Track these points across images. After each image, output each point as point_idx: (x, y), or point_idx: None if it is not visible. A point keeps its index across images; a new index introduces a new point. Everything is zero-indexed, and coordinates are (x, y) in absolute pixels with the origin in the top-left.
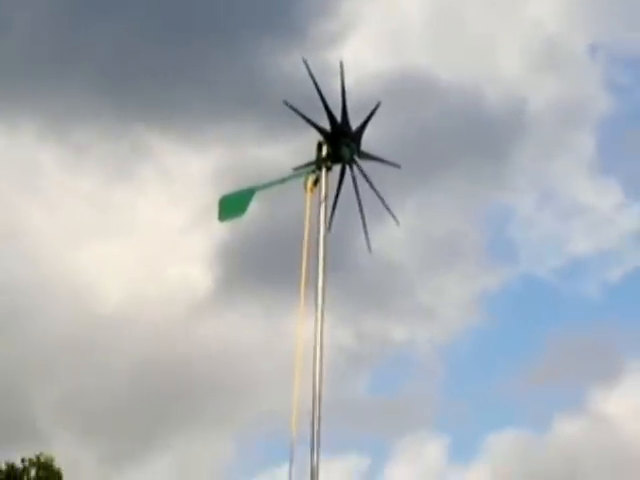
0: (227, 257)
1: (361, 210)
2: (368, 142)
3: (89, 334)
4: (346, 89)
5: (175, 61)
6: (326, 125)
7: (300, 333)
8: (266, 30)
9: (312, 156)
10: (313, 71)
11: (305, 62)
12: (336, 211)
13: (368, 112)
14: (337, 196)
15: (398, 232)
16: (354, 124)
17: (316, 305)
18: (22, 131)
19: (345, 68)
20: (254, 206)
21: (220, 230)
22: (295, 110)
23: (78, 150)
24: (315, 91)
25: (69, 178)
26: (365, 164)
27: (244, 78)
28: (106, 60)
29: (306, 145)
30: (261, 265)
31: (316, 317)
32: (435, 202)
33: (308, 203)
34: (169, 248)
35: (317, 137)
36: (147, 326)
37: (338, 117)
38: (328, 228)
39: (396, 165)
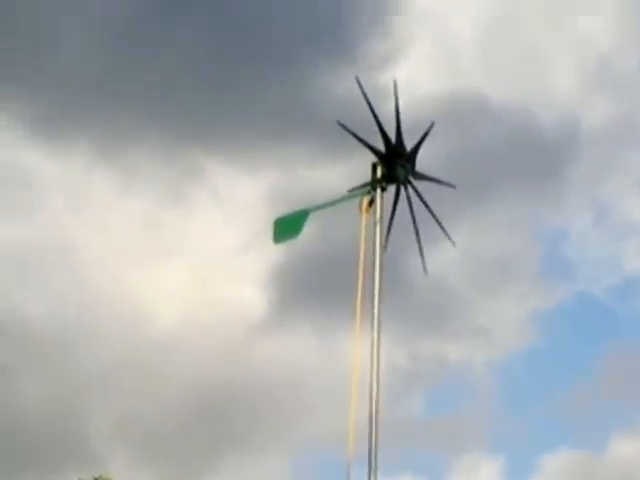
0: (281, 279)
1: (416, 231)
2: (422, 162)
3: (144, 357)
4: (400, 109)
5: (229, 83)
6: (380, 146)
7: (357, 353)
8: (319, 51)
9: (366, 178)
10: (370, 100)
11: (358, 81)
12: (391, 232)
13: (422, 133)
14: (392, 217)
15: (453, 253)
16: (408, 145)
17: (372, 325)
18: (75, 153)
19: (398, 88)
20: (308, 228)
21: (274, 252)
22: (349, 130)
23: (130, 172)
24: (368, 112)
25: (121, 200)
26: (420, 185)
27: (296, 99)
28: (159, 81)
29: (360, 167)
30: (315, 287)
31: (372, 337)
32: (489, 223)
33: (363, 224)
34: (223, 270)
35: (371, 159)
36: (202, 348)
37: (392, 138)
38: (384, 248)
39: (451, 185)
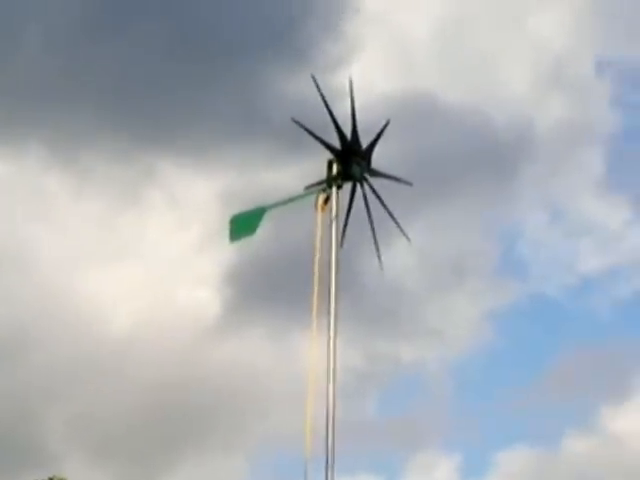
0: (236, 280)
1: (372, 228)
2: (377, 161)
3: (100, 357)
4: (355, 108)
5: (181, 83)
6: (336, 144)
7: (313, 353)
8: (272, 52)
9: (322, 177)
10: (321, 90)
11: (313, 78)
12: (347, 230)
13: (377, 132)
14: (348, 214)
15: (408, 253)
16: (364, 143)
17: (328, 325)
18: (29, 155)
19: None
20: (264, 227)
21: (229, 253)
22: (304, 127)
23: (84, 175)
24: (323, 112)
25: (75, 203)
26: (376, 183)
27: (251, 100)
28: (111, 82)
29: (316, 167)
30: (271, 287)
31: (328, 337)
32: (444, 222)
33: (319, 222)
34: (178, 272)
35: (327, 157)
36: (156, 350)
37: (348, 135)
38: (340, 246)
39: (408, 183)
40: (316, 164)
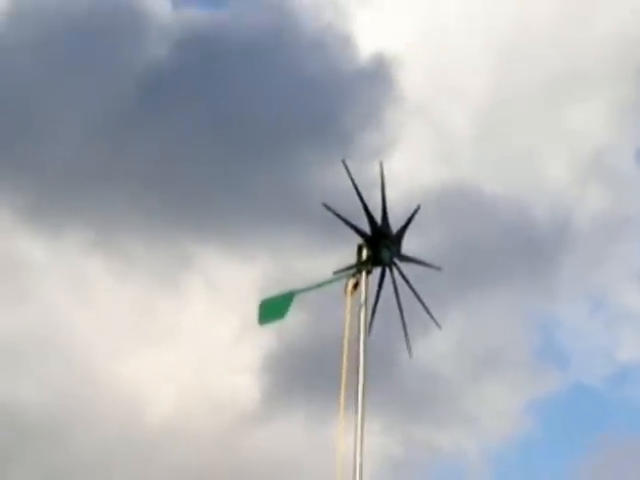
0: (274, 367)
1: (401, 313)
2: (412, 251)
3: (138, 445)
4: (386, 193)
5: (219, 171)
6: (366, 229)
7: (341, 442)
8: (310, 139)
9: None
10: (356, 183)
11: (344, 162)
12: (376, 316)
13: (408, 217)
14: (377, 299)
15: (443, 342)
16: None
17: (356, 411)
18: (68, 241)
19: (389, 180)
20: (300, 316)
21: (267, 340)
22: (334, 212)
23: (125, 260)
24: (355, 198)
25: (116, 288)
26: (409, 270)
27: (286, 186)
28: (152, 171)
29: (349, 254)
30: (307, 374)
31: (356, 424)
32: (482, 311)
33: (348, 307)
34: (216, 359)
35: (357, 243)
36: (195, 438)
37: (378, 220)
38: (368, 332)
39: (436, 268)
40: (349, 250)
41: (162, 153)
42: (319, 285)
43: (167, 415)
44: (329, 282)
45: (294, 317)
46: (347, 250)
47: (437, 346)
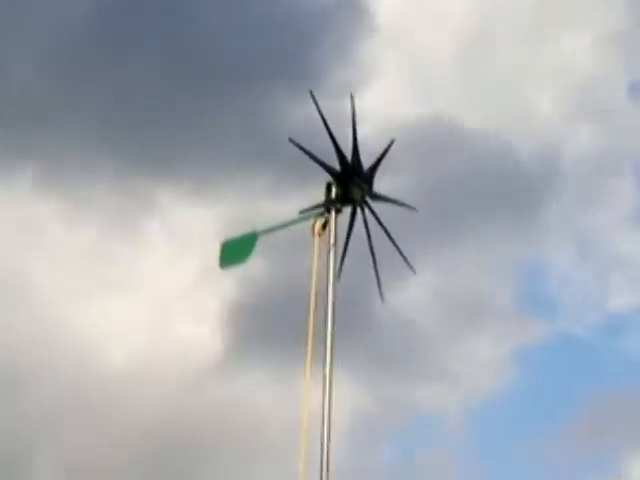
0: (236, 316)
1: (373, 256)
2: (387, 191)
3: (94, 393)
4: (359, 129)
5: (180, 108)
6: (336, 166)
7: (308, 396)
8: (277, 76)
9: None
10: (325, 117)
11: (311, 94)
12: (346, 259)
13: (381, 153)
14: (347, 241)
15: (419, 289)
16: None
17: (324, 363)
18: (17, 181)
19: (362, 117)
20: (265, 259)
21: (229, 286)
22: (301, 147)
23: (78, 202)
24: (324, 133)
25: (69, 234)
26: (378, 207)
27: (252, 126)
28: (108, 108)
29: (317, 194)
30: (272, 323)
31: (324, 376)
32: (462, 257)
33: (316, 249)
34: (176, 307)
35: (326, 181)
36: (154, 387)
37: (348, 157)
38: (338, 276)
39: (412, 207)
40: (318, 191)
41: (117, 89)
42: (284, 225)
43: (123, 366)
44: (295, 222)
45: (258, 262)
46: (316, 191)
47: (413, 294)
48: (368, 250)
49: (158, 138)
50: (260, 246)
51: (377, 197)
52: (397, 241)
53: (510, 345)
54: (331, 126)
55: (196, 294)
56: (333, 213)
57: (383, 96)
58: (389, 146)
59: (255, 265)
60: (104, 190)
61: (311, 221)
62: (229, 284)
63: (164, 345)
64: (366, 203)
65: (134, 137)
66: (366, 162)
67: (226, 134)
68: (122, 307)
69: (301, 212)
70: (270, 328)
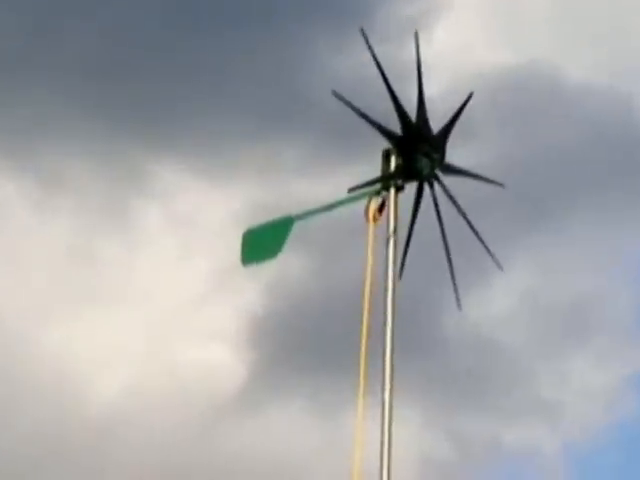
0: (262, 333)
1: (446, 248)
2: (463, 164)
3: (75, 441)
4: (425, 80)
5: (184, 59)
6: (396, 129)
7: (359, 438)
8: (314, 15)
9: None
10: (380, 62)
11: (362, 32)
12: (410, 252)
13: (455, 111)
14: (412, 228)
15: (505, 293)
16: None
17: (382, 389)
18: None
19: (429, 65)
20: (300, 255)
21: (252, 293)
22: (348, 104)
23: (52, 183)
24: (378, 86)
25: (39, 223)
26: (453, 182)
27: (281, 81)
28: (87, 59)
29: (369, 168)
30: (309, 341)
31: (382, 412)
32: (560, 253)
33: (370, 238)
34: (181, 323)
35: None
36: (152, 430)
37: (413, 118)
38: (399, 274)
39: (498, 184)
40: (371, 164)
41: (104, 35)
42: (327, 208)
43: (116, 400)
44: (341, 203)
45: (291, 259)
46: (368, 164)
47: (497, 299)
48: (439, 240)
49: (156, 98)
50: (294, 237)
51: (451, 170)
52: (478, 228)
53: (626, 368)
54: (389, 77)
55: (209, 305)
56: (393, 191)
57: (456, 38)
58: (466, 101)
59: (288, 263)
60: (84, 166)
61: (363, 202)
62: (253, 290)
63: (166, 375)
64: (436, 178)
65: (125, 96)
66: (435, 124)
67: (246, 91)
68: (110, 324)
69: (350, 190)
70: (307, 347)
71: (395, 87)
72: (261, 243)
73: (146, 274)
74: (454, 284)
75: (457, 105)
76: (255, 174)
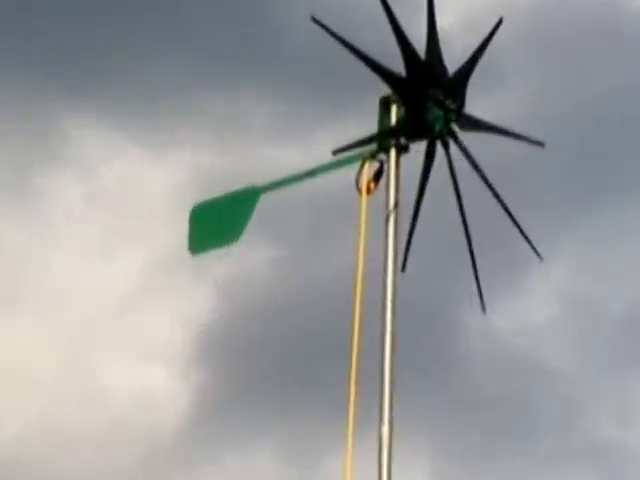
0: (215, 350)
1: (466, 230)
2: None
3: None
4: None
5: None
6: (399, 68)
7: None
8: None
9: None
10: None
11: None
12: (416, 234)
13: (479, 44)
14: (419, 203)
15: (545, 293)
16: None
17: (380, 423)
18: None
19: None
20: (265, 242)
21: (203, 295)
22: (330, 32)
23: None
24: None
25: None
26: (472, 140)
27: (240, 13)
28: None
29: (359, 124)
30: (279, 362)
31: (379, 459)
32: (618, 242)
33: (363, 216)
34: (107, 335)
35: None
36: (72, 474)
37: (421, 53)
38: (402, 266)
39: (537, 142)
40: (362, 118)
41: None
42: (305, 175)
43: (24, 434)
44: (323, 169)
45: (254, 250)
46: (359, 118)
47: (535, 300)
48: (456, 220)
49: (76, 34)
50: (259, 217)
51: (472, 123)
52: (508, 203)
53: None
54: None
55: (144, 310)
56: (394, 153)
57: None
58: (494, 30)
59: (249, 254)
60: None
61: (354, 168)
62: (202, 290)
63: (85, 405)
64: (453, 135)
65: (39, 31)
66: (451, 65)
67: (196, 26)
68: (11, 338)
69: (335, 152)
70: (275, 368)
71: (398, 16)
72: (215, 223)
73: (59, 271)
74: (476, 280)
75: (479, 40)
76: (207, 135)
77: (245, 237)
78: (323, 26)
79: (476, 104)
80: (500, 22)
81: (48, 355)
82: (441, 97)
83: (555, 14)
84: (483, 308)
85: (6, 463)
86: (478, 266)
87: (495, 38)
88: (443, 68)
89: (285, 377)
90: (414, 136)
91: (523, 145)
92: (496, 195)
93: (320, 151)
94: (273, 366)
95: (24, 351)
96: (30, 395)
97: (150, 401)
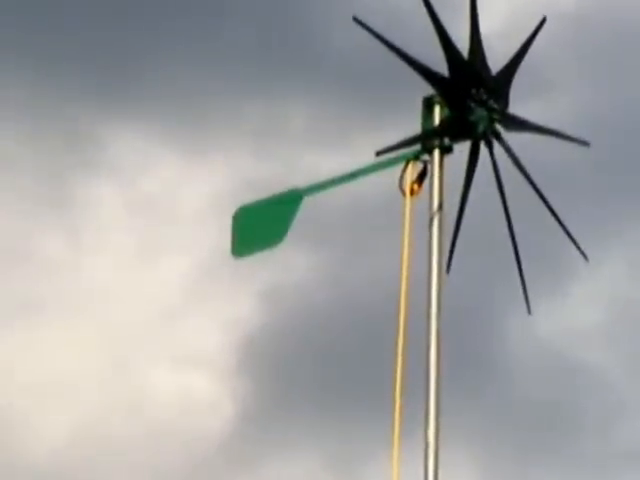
0: (260, 357)
1: (511, 232)
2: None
3: None
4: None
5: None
6: (442, 69)
7: None
8: None
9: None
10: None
11: None
12: (461, 237)
13: (522, 43)
14: (463, 204)
15: (593, 298)
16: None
17: (426, 429)
18: None
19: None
20: (308, 247)
21: (248, 303)
22: (373, 33)
23: None
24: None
25: None
26: (519, 142)
27: (277, 16)
28: None
29: (403, 127)
30: (323, 369)
31: (426, 454)
32: None
33: (407, 218)
34: (149, 346)
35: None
36: None
37: (464, 54)
38: (446, 270)
39: (583, 142)
40: (405, 120)
41: None
42: (347, 178)
43: (62, 450)
44: (366, 171)
45: (297, 256)
46: (402, 119)
47: (581, 303)
48: (501, 221)
49: (114, 43)
50: (302, 222)
51: (518, 124)
52: (554, 205)
53: None
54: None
55: (184, 317)
56: (437, 154)
57: None
58: (537, 29)
59: (292, 261)
60: (12, 130)
61: (397, 170)
62: (246, 297)
63: (127, 413)
64: (497, 136)
65: (68, 36)
66: (495, 65)
67: (238, 33)
68: (51, 346)
69: (378, 154)
70: (319, 376)
71: (441, 18)
72: (259, 226)
73: (99, 278)
74: (522, 281)
75: (521, 41)
76: (246, 139)
77: (287, 241)
78: (366, 27)
79: (520, 105)
80: (544, 21)
81: (94, 363)
82: (484, 97)
83: (600, 16)
84: (529, 309)
85: (54, 472)
86: (523, 267)
87: (540, 39)
88: (486, 68)
89: (327, 385)
90: (458, 137)
91: (569, 146)
92: (541, 196)
93: (361, 153)
94: (317, 373)
95: (70, 360)
96: (76, 404)
97: (194, 407)
